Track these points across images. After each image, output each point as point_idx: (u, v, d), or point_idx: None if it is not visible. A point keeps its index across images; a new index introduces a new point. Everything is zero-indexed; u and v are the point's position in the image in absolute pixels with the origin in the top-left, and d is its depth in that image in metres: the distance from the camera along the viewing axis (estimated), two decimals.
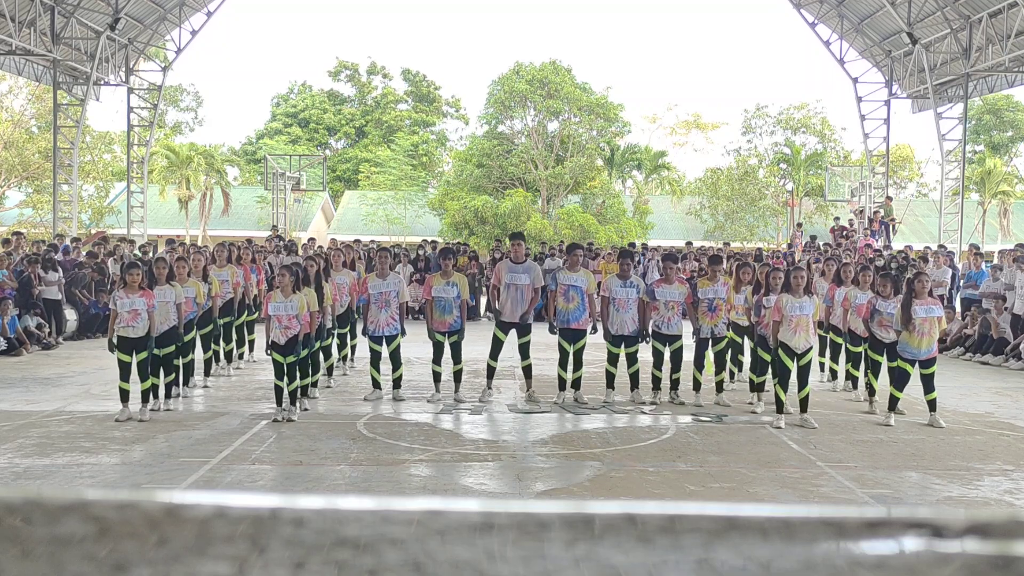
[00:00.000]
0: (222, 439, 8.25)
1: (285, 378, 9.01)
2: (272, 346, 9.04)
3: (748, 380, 10.81)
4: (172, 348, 9.69)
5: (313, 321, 9.36)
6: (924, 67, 27.32)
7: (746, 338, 10.98)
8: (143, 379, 9.04)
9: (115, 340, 8.96)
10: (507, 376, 11.78)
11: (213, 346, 11.76)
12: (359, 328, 11.14)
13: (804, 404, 9.29)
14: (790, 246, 26.56)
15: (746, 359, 11.55)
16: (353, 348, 12.85)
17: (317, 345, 10.00)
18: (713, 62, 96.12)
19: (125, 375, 8.96)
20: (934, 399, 9.33)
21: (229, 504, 0.60)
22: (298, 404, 9.33)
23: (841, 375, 11.72)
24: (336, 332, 11.75)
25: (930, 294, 9.50)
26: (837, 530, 0.58)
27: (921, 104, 29.98)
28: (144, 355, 9.00)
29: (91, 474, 7.04)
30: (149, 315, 8.96)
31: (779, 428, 9.03)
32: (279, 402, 9.09)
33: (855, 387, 11.10)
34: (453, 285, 10.00)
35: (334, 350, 11.77)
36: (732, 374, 11.57)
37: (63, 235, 22.45)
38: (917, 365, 9.28)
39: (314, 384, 10.15)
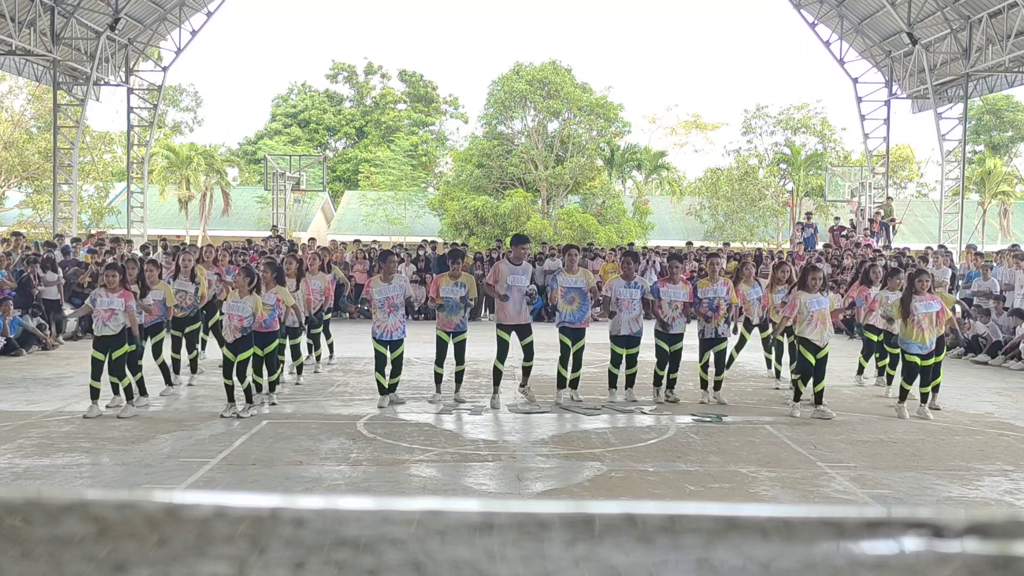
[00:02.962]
0: (222, 439, 8.25)
1: (235, 376, 9.27)
2: (223, 343, 9.36)
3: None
4: (161, 336, 10.30)
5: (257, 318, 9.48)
6: (924, 67, 27.32)
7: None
8: (120, 377, 9.25)
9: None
10: (507, 376, 11.77)
11: (200, 345, 12.00)
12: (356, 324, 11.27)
13: (819, 397, 9.64)
14: (801, 243, 26.53)
15: (785, 357, 11.82)
16: (331, 347, 13.34)
17: (274, 344, 9.93)
18: (713, 62, 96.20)
19: (96, 373, 9.16)
20: (927, 392, 9.82)
21: (229, 504, 0.60)
22: (255, 399, 9.55)
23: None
24: (310, 332, 12.20)
25: (930, 291, 9.73)
26: (837, 530, 0.58)
27: (921, 104, 29.98)
28: (120, 353, 9.18)
29: (91, 474, 7.04)
30: (128, 314, 9.18)
31: (794, 417, 9.53)
32: (230, 399, 9.29)
33: (860, 373, 11.90)
34: (461, 286, 10.00)
35: (303, 348, 12.02)
36: (778, 373, 11.86)
37: (62, 235, 22.45)
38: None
39: (271, 386, 10.05)
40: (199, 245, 18.86)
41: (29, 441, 8.08)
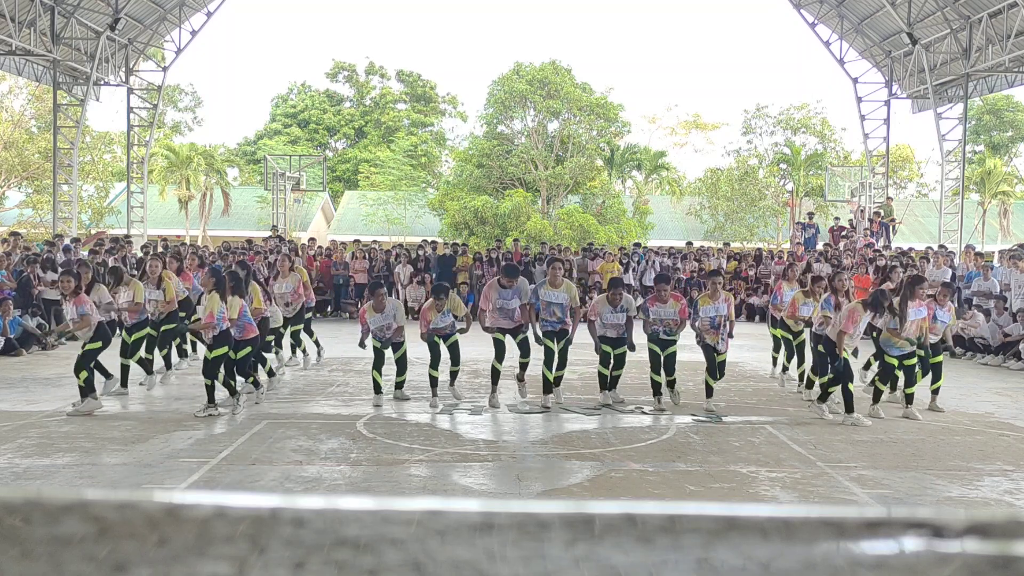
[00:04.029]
0: (222, 439, 8.25)
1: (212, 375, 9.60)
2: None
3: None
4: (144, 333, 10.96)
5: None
6: (924, 67, 27.32)
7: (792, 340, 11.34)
8: (125, 371, 9.86)
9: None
10: (507, 376, 11.78)
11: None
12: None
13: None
14: (800, 243, 26.51)
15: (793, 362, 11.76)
16: (317, 343, 13.71)
17: (245, 351, 10.07)
18: (713, 62, 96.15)
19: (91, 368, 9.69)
20: (912, 394, 9.78)
21: (229, 504, 0.60)
22: (226, 402, 9.74)
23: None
24: (289, 330, 12.70)
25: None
26: (837, 530, 0.58)
27: (921, 104, 29.97)
28: (136, 344, 9.81)
29: (91, 474, 7.04)
30: (83, 318, 9.50)
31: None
32: (209, 399, 9.44)
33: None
34: (448, 313, 10.20)
35: (285, 345, 12.64)
36: (785, 368, 11.89)
37: (62, 235, 22.44)
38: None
39: (255, 384, 10.21)
40: (159, 250, 19.04)
41: (29, 441, 8.08)
